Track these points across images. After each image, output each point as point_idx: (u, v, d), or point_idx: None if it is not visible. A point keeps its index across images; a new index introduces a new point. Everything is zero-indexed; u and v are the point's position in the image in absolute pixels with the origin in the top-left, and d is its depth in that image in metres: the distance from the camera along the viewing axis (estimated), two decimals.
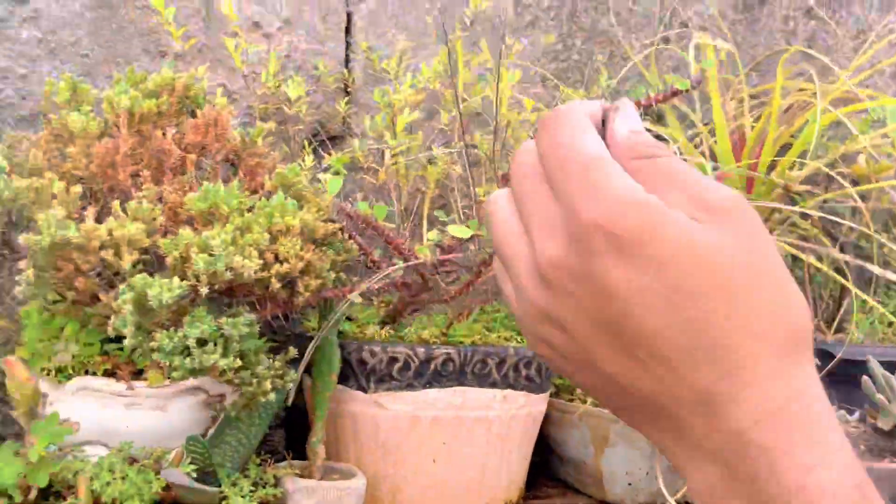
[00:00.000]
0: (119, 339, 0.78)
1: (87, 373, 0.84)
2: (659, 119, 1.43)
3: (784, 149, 1.35)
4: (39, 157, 0.77)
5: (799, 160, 1.28)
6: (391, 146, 0.95)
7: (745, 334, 0.33)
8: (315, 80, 1.23)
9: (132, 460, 0.78)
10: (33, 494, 0.72)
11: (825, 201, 1.57)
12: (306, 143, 1.18)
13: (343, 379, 0.96)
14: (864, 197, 1.49)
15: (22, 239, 0.69)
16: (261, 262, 0.73)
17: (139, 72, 0.91)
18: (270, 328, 1.16)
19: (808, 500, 0.32)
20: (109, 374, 0.85)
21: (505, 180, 0.94)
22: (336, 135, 1.24)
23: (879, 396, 1.16)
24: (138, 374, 0.86)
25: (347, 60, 1.28)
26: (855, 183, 1.38)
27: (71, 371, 0.85)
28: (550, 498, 1.13)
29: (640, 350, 0.34)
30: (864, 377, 1.19)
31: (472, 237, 0.89)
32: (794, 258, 1.35)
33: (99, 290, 0.74)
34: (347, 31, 1.29)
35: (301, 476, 0.87)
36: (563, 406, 1.11)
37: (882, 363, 1.20)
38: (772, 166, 1.34)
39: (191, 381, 0.85)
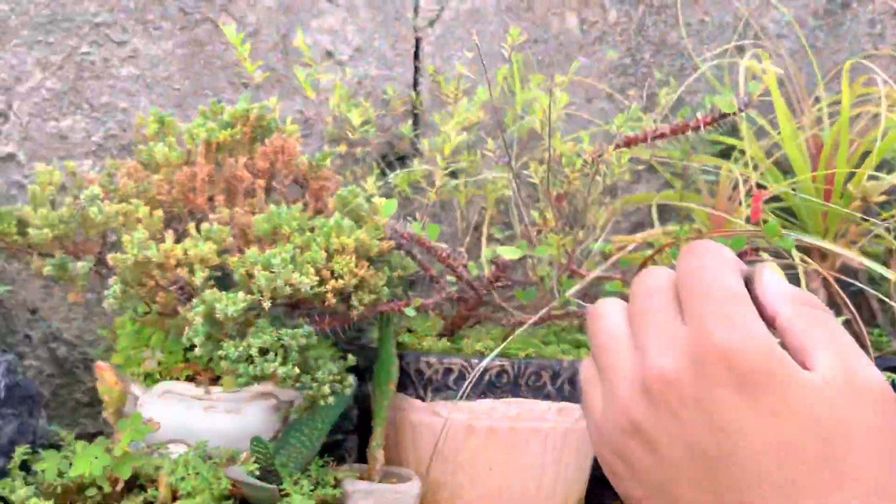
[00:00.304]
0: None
1: (170, 378, 0.93)
2: (733, 131, 1.41)
3: (866, 158, 1.31)
4: (129, 184, 0.86)
5: (877, 172, 1.24)
6: (441, 167, 0.99)
7: None
8: (384, 104, 1.30)
9: (208, 458, 0.85)
10: (120, 486, 0.80)
11: None
12: (374, 164, 1.25)
13: (402, 388, 1.01)
14: None
15: (110, 258, 0.78)
16: (317, 278, 0.79)
17: (220, 104, 1.00)
18: (339, 340, 1.23)
19: None
20: (190, 379, 0.93)
21: (560, 201, 0.97)
22: (404, 155, 1.30)
23: None
24: (216, 380, 0.94)
25: (416, 84, 1.34)
26: None
27: (157, 376, 0.94)
28: None
29: (731, 494, 0.32)
30: None
31: (522, 258, 0.93)
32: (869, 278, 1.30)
33: (178, 303, 0.82)
34: (416, 55, 1.35)
35: (361, 478, 0.92)
36: None
37: None
38: (852, 178, 1.30)
39: (262, 387, 0.93)
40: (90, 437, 0.87)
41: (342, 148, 1.21)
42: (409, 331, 1.05)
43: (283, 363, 0.78)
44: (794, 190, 1.34)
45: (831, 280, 1.33)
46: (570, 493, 1.06)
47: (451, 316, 1.05)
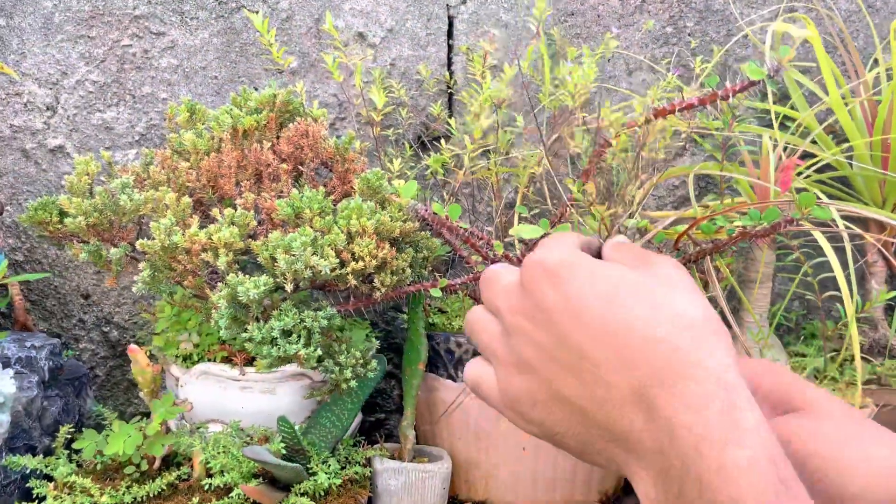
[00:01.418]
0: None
1: (207, 360, 0.95)
2: (784, 98, 1.34)
3: None
4: (159, 172, 0.89)
5: None
6: (469, 149, 0.98)
7: (652, 338, 0.40)
8: (418, 84, 1.30)
9: (242, 436, 0.88)
10: (157, 464, 0.83)
11: None
12: (407, 145, 1.25)
13: (434, 368, 1.01)
14: None
15: (138, 244, 0.81)
16: (337, 260, 0.79)
17: (249, 91, 1.02)
18: (376, 321, 1.24)
19: (728, 477, 0.34)
20: (226, 360, 0.96)
21: (586, 176, 0.95)
22: (439, 136, 1.30)
23: None
24: (251, 361, 0.96)
25: (450, 63, 1.33)
26: None
27: (196, 358, 0.97)
28: None
29: (584, 363, 0.41)
30: None
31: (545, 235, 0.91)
32: None
33: (207, 287, 0.84)
34: (450, 34, 1.34)
35: (392, 458, 0.93)
36: None
37: None
38: None
39: (295, 368, 0.94)
40: (142, 417, 0.90)
41: (376, 130, 1.21)
42: (441, 311, 1.05)
43: (307, 345, 0.79)
44: (848, 158, 1.27)
45: (888, 254, 1.26)
46: (608, 476, 1.04)
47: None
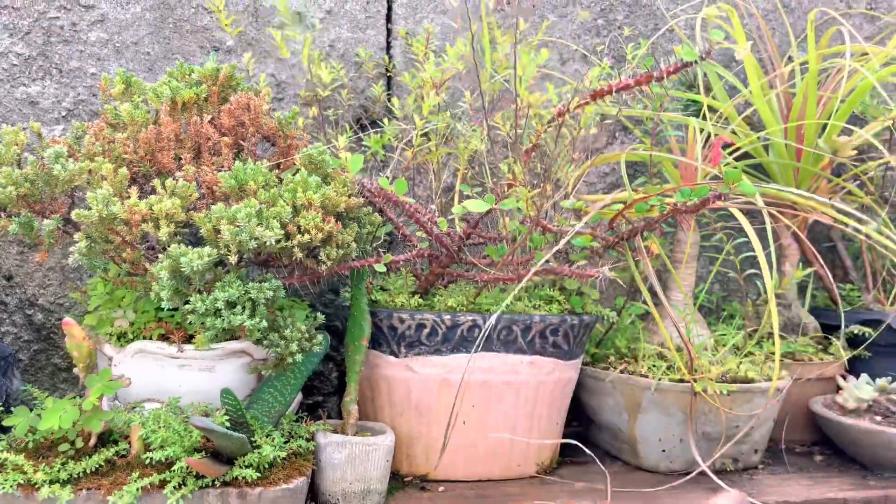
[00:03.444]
0: (174, 307, 0.87)
1: (143, 338, 0.93)
2: (708, 90, 1.41)
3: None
4: (93, 143, 0.86)
5: (848, 126, 1.24)
6: (419, 126, 0.99)
7: None
8: (357, 66, 1.30)
9: (181, 413, 0.86)
10: (93, 441, 0.81)
11: (887, 168, 1.51)
12: (347, 126, 1.25)
13: (377, 345, 1.02)
14: None
15: (74, 215, 0.78)
16: (282, 232, 0.79)
17: (188, 65, 1.00)
18: (316, 302, 1.24)
19: None
20: (163, 338, 0.94)
21: (528, 155, 0.98)
22: (378, 118, 1.30)
23: None
24: (189, 339, 0.94)
25: (388, 47, 1.34)
26: None
27: (131, 336, 0.95)
28: (587, 464, 1.15)
29: None
30: None
31: (492, 215, 0.93)
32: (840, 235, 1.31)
33: (146, 260, 0.83)
34: (388, 18, 1.34)
35: (335, 432, 0.94)
36: (596, 373, 1.13)
37: None
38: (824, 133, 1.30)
39: (235, 346, 0.93)
40: (74, 398, 0.87)
41: (314, 111, 1.20)
42: (383, 289, 1.06)
43: (252, 316, 0.79)
44: (764, 146, 1.35)
45: (802, 236, 1.35)
46: (544, 445, 1.07)
47: (425, 274, 1.06)
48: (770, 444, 1.29)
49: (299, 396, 1.02)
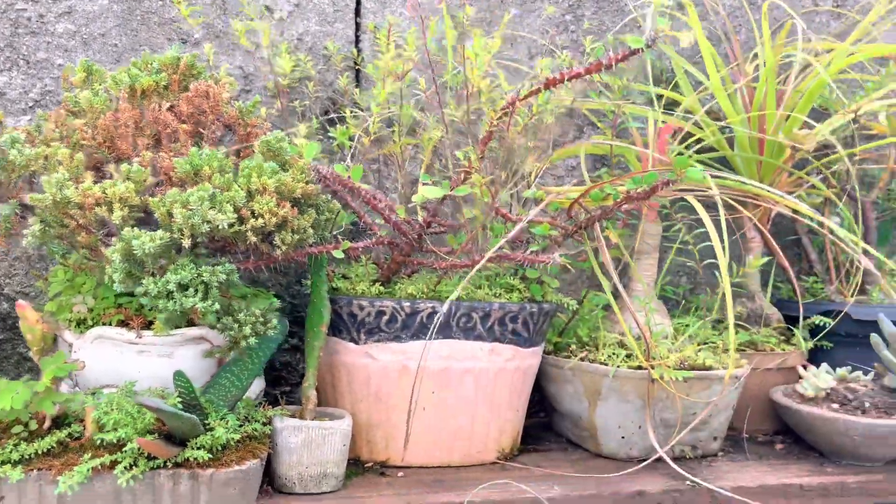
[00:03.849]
0: (132, 293, 0.88)
1: (102, 324, 0.94)
2: (675, 86, 1.43)
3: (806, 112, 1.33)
4: (51, 129, 0.87)
5: (809, 121, 1.26)
6: (375, 112, 1.00)
7: None
8: (326, 59, 1.31)
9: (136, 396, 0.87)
10: (47, 423, 0.82)
11: (854, 162, 1.54)
12: (314, 118, 1.26)
13: (337, 332, 1.03)
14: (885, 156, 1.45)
15: (28, 198, 0.79)
16: (235, 216, 0.80)
17: (151, 55, 1.01)
18: (290, 294, 1.25)
19: None
20: (122, 324, 0.95)
21: (484, 144, 0.99)
22: (346, 111, 1.32)
23: (885, 353, 1.15)
24: (149, 325, 0.95)
25: (357, 40, 1.35)
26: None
27: (90, 322, 0.95)
28: (549, 451, 1.17)
29: None
30: (873, 335, 1.18)
31: (454, 205, 0.95)
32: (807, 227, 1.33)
33: (102, 245, 0.84)
34: (357, 12, 1.36)
35: (293, 417, 0.94)
36: (558, 362, 1.14)
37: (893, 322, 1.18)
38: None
39: (195, 332, 0.94)
40: None
41: (280, 102, 1.22)
42: (345, 277, 1.07)
43: (204, 299, 0.79)
44: (729, 140, 1.37)
45: (763, 229, 1.37)
46: (504, 430, 1.09)
47: (387, 263, 1.07)
48: (733, 432, 1.30)
49: (261, 385, 1.03)
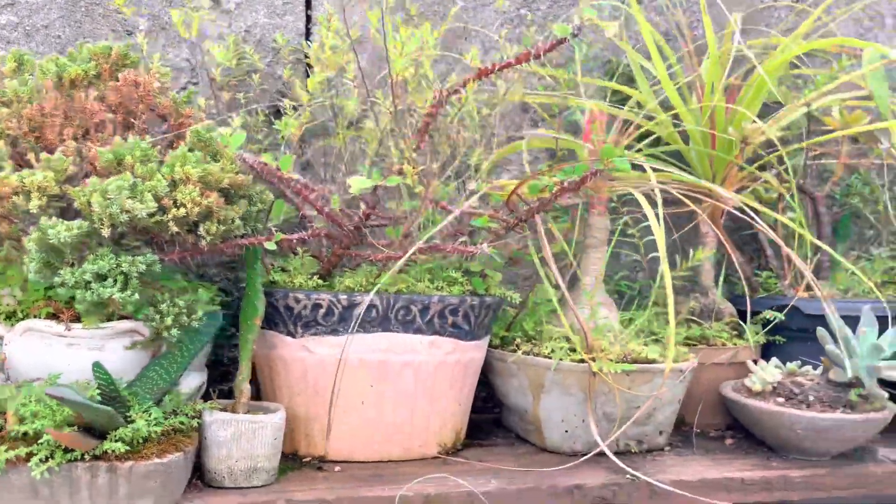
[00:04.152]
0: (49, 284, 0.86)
1: (31, 316, 0.93)
2: (631, 81, 1.43)
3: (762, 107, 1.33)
4: None
5: (757, 120, 1.26)
6: (305, 99, 1.00)
7: None
8: (275, 52, 1.30)
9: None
10: None
11: (814, 157, 1.54)
12: (261, 112, 1.25)
13: (273, 325, 1.02)
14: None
15: None
16: (156, 205, 0.79)
17: (85, 46, 1.00)
18: (230, 291, 1.24)
19: None
20: (52, 317, 0.93)
21: (421, 135, 0.98)
22: (296, 104, 1.31)
23: (830, 347, 1.14)
24: (79, 318, 0.94)
25: (308, 33, 1.34)
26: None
27: (21, 315, 0.94)
28: (495, 445, 1.16)
29: None
30: (819, 328, 1.17)
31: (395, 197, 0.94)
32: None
33: (23, 235, 0.82)
34: (308, 5, 1.35)
35: (225, 411, 0.93)
36: (503, 356, 1.14)
37: (845, 318, 1.18)
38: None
39: (126, 325, 0.93)
40: None
41: (226, 95, 1.21)
42: (284, 270, 1.06)
43: (123, 289, 0.78)
44: (683, 135, 1.36)
45: (714, 223, 1.36)
46: (446, 424, 1.08)
47: (327, 256, 1.06)
48: (685, 428, 1.30)
49: (201, 379, 1.02)
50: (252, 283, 0.97)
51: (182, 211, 0.81)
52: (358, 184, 0.87)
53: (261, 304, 0.97)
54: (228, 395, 1.24)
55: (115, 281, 0.79)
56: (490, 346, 1.17)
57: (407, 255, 0.94)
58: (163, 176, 0.82)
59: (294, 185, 0.90)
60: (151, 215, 0.79)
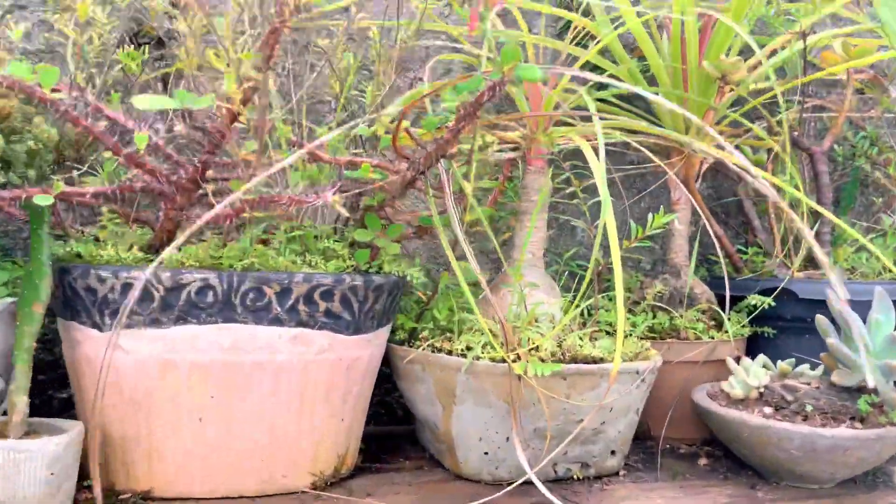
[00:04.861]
0: None
1: None
2: (587, 14, 1.16)
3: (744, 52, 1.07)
4: None
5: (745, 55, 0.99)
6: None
7: None
8: None
9: None
10: None
11: (811, 110, 1.27)
12: (126, 42, 0.98)
13: (75, 314, 0.75)
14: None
15: None
16: None
17: None
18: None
19: None
20: None
21: (269, 48, 0.71)
22: (163, 38, 1.04)
23: (833, 340, 0.87)
24: None
25: None
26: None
27: None
28: (398, 471, 0.89)
29: None
30: (819, 316, 0.91)
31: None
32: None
33: None
34: None
35: None
36: (406, 353, 0.86)
37: (851, 303, 0.91)
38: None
39: None
40: None
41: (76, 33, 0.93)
42: (98, 240, 0.79)
43: None
44: (648, 78, 1.09)
45: (686, 185, 1.10)
46: (321, 445, 0.81)
47: (160, 222, 0.79)
48: (649, 443, 1.03)
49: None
50: (35, 256, 0.70)
51: None
52: (143, 102, 0.59)
53: (45, 284, 0.70)
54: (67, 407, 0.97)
55: None
56: (394, 341, 0.90)
57: (225, 202, 0.66)
58: None
59: (59, 106, 0.63)
60: None
